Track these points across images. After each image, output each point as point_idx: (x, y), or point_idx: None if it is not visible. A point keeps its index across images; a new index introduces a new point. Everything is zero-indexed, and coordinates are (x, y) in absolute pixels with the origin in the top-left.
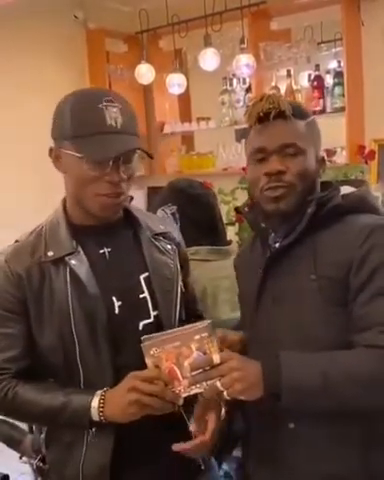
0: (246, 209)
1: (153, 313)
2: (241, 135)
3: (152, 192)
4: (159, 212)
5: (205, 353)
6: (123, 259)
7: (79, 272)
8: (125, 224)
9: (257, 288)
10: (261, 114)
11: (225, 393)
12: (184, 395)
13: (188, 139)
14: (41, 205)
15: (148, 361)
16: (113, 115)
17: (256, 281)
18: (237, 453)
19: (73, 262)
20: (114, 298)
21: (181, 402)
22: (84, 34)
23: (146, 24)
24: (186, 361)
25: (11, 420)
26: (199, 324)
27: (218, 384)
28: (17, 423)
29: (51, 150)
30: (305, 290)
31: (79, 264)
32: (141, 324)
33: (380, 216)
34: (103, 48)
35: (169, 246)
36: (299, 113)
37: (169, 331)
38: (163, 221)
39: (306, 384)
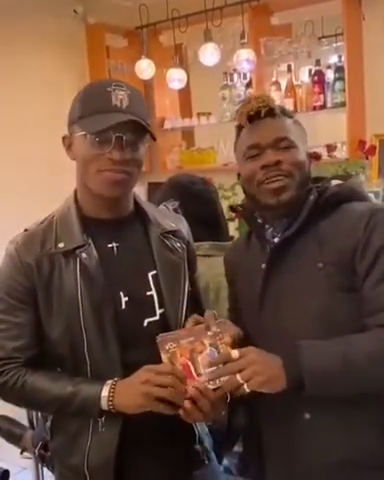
0: (239, 207)
1: (159, 311)
2: None
3: (153, 188)
4: (161, 207)
5: (217, 348)
6: (131, 255)
7: (89, 265)
8: (136, 219)
9: (261, 284)
10: (252, 113)
11: (245, 386)
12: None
13: (188, 134)
14: (40, 203)
15: (163, 356)
16: (119, 97)
17: (259, 277)
18: (238, 448)
19: (84, 255)
20: (121, 293)
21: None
22: (84, 29)
23: (146, 19)
24: (199, 356)
25: (11, 416)
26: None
27: (238, 377)
28: (17, 419)
29: (64, 139)
30: (312, 279)
31: (89, 257)
32: (146, 321)
33: (373, 203)
34: (103, 43)
35: (178, 244)
36: (286, 112)
37: (180, 330)
38: (174, 218)
39: (328, 369)
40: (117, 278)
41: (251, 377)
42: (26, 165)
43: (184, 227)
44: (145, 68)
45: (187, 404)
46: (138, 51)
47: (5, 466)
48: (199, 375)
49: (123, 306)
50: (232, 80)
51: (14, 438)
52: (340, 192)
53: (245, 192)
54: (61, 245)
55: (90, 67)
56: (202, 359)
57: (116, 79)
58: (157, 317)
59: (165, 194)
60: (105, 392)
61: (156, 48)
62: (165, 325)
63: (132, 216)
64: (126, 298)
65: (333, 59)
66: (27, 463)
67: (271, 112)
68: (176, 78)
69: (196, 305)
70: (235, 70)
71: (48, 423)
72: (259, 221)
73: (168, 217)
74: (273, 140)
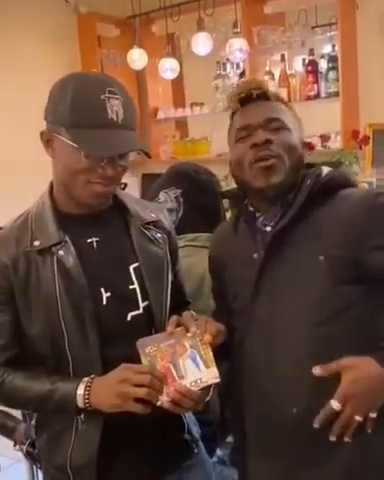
0: (227, 193)
1: (142, 304)
2: None
3: (146, 179)
4: (161, 194)
5: (198, 349)
6: (112, 249)
7: (66, 263)
8: (114, 212)
9: (256, 274)
10: (243, 95)
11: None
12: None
13: (182, 125)
14: (28, 189)
15: (144, 360)
16: (114, 108)
17: (252, 267)
18: (231, 439)
19: (61, 253)
20: (102, 289)
21: (159, 404)
22: (75, 18)
23: (138, 8)
24: (180, 359)
25: (4, 408)
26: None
27: (335, 405)
28: (11, 411)
29: (42, 133)
30: (312, 272)
31: (66, 254)
32: (129, 315)
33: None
34: (95, 33)
35: (159, 235)
36: (279, 98)
37: (161, 333)
38: (155, 208)
39: None
40: (97, 274)
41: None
42: (16, 152)
43: (165, 217)
44: (137, 58)
45: (168, 405)
46: (130, 41)
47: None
48: (181, 378)
49: (104, 302)
50: (225, 70)
51: (7, 431)
52: (337, 177)
53: (235, 179)
54: (36, 243)
55: (82, 57)
56: (183, 361)
57: (104, 75)
58: (141, 310)
59: (167, 181)
60: (81, 390)
61: (148, 37)
62: (149, 318)
63: (111, 209)
64: (108, 294)
65: (327, 48)
66: (21, 456)
67: (264, 95)
68: (169, 68)
69: (179, 296)
70: (228, 60)
71: (33, 421)
72: (250, 209)
73: (148, 207)
74: (264, 120)
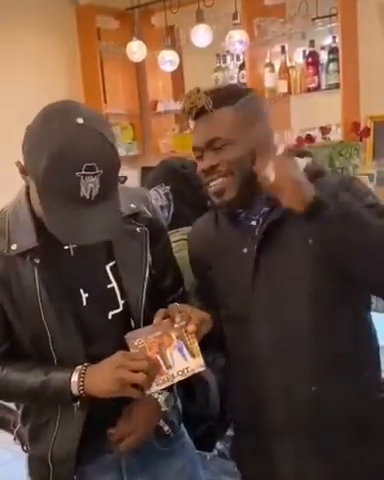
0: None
1: (122, 302)
2: None
3: (146, 172)
4: (152, 192)
5: (184, 340)
6: (89, 251)
7: (44, 268)
8: None
9: (252, 268)
10: (185, 114)
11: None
12: (167, 384)
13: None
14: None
15: (133, 352)
16: (89, 185)
17: (245, 262)
18: (230, 432)
19: (37, 260)
20: (81, 290)
21: (153, 390)
22: (74, 11)
23: (137, 0)
24: (168, 350)
25: (3, 402)
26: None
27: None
28: (11, 405)
29: (18, 164)
30: (304, 256)
31: (44, 260)
32: (110, 314)
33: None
34: (94, 25)
35: (138, 229)
36: (225, 99)
37: (148, 326)
38: (136, 198)
39: None
40: (75, 276)
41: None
42: (13, 143)
43: (148, 203)
44: (136, 50)
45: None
46: (129, 33)
47: (0, 452)
48: (169, 367)
49: (84, 303)
50: (225, 62)
51: (6, 424)
52: (312, 168)
53: None
54: (14, 247)
55: (81, 49)
56: (170, 352)
57: (87, 146)
58: (121, 308)
59: (157, 178)
60: (75, 377)
61: (148, 30)
62: (128, 315)
63: None
64: (86, 295)
65: (327, 40)
66: (21, 449)
67: (203, 110)
68: (168, 60)
69: (172, 285)
70: (228, 52)
71: (20, 411)
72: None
73: (130, 197)
74: (206, 143)
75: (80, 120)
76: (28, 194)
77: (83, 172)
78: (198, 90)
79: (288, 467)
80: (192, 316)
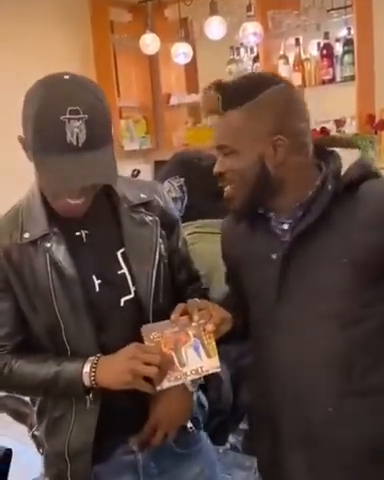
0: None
1: (133, 288)
2: None
3: (159, 166)
4: (166, 184)
5: (201, 339)
6: (100, 237)
7: (57, 254)
8: (103, 197)
9: (278, 277)
10: (203, 115)
11: None
12: (179, 382)
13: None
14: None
15: (147, 345)
16: (75, 130)
17: (272, 269)
18: (243, 426)
19: (48, 245)
20: (94, 276)
21: (164, 386)
22: (88, 3)
23: None
24: (183, 347)
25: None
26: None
27: None
28: (24, 397)
29: (20, 138)
30: (336, 274)
31: (56, 246)
32: (122, 300)
33: None
34: (107, 18)
35: (149, 218)
36: (237, 97)
37: (166, 321)
38: (147, 188)
39: None
40: (87, 263)
41: None
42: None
43: (160, 194)
44: (150, 43)
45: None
46: (143, 25)
47: (13, 444)
48: (182, 365)
49: (97, 289)
50: (239, 54)
51: (21, 416)
52: (357, 175)
53: None
54: (26, 235)
55: (94, 43)
56: (186, 350)
57: (70, 90)
58: (132, 295)
59: (171, 170)
60: (87, 368)
61: (161, 22)
62: (139, 302)
63: (99, 194)
64: (99, 280)
65: (342, 32)
66: (33, 442)
67: (214, 112)
68: (181, 52)
69: (184, 276)
70: (242, 44)
71: (35, 408)
72: (260, 211)
73: (139, 188)
74: (217, 147)
75: (66, 76)
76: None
77: (67, 115)
78: (211, 87)
79: (300, 479)
80: (213, 314)
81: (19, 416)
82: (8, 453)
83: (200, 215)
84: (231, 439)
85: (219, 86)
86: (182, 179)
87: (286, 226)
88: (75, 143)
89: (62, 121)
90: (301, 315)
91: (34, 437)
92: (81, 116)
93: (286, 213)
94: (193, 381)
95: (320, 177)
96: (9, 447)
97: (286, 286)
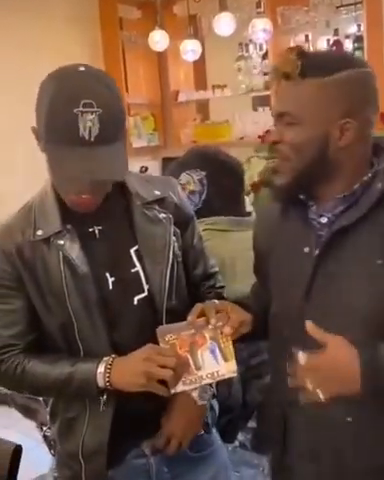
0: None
1: (146, 287)
2: (258, 103)
3: (167, 163)
4: (183, 176)
5: (218, 342)
6: (114, 234)
7: (70, 252)
8: (117, 194)
9: (310, 272)
10: (272, 77)
11: (320, 395)
12: (195, 386)
13: (203, 107)
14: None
15: (162, 347)
16: (88, 124)
17: (304, 263)
18: (252, 424)
19: (61, 242)
20: (107, 274)
21: (179, 389)
22: (97, 0)
23: None
24: (199, 350)
25: None
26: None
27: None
28: None
29: (33, 129)
30: (368, 276)
31: (69, 244)
32: (136, 299)
33: None
34: (116, 14)
35: (163, 215)
36: (319, 68)
37: (182, 322)
38: (161, 184)
39: None
40: (101, 260)
41: (320, 384)
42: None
43: (174, 191)
44: (159, 40)
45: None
46: (152, 22)
47: (23, 439)
48: (198, 369)
49: (110, 287)
50: (248, 51)
51: (30, 413)
52: None
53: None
54: (39, 233)
55: (103, 39)
56: (202, 353)
57: (84, 83)
58: (146, 293)
59: (190, 162)
60: (101, 368)
61: (170, 19)
62: (152, 301)
63: (112, 191)
64: (112, 278)
65: (352, 28)
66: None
67: (287, 76)
68: (190, 49)
69: (199, 274)
70: (251, 40)
71: (48, 409)
72: (301, 197)
73: (154, 184)
74: (276, 114)
75: (82, 68)
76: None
77: (80, 108)
78: (293, 51)
79: None
80: (231, 317)
81: (28, 412)
82: (18, 449)
83: (213, 212)
84: (240, 437)
85: (302, 52)
86: (203, 173)
87: (325, 220)
88: (87, 137)
89: (75, 114)
90: (328, 315)
91: (45, 438)
92: (95, 109)
93: (327, 204)
94: (202, 395)
95: (371, 173)
96: (19, 443)
97: (316, 283)
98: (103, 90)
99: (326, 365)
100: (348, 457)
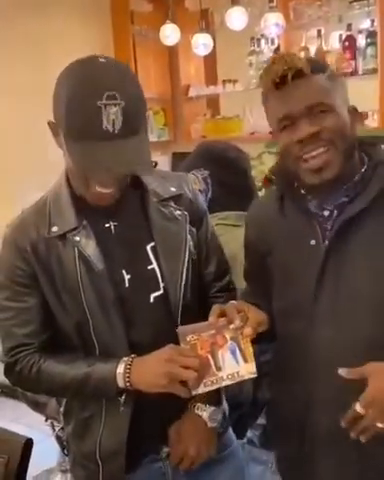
0: (273, 176)
1: (162, 284)
2: None
3: (177, 157)
4: (190, 176)
5: (238, 343)
6: (129, 230)
7: (85, 248)
8: (132, 190)
9: (320, 264)
10: (277, 79)
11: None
12: (215, 387)
13: (214, 102)
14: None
15: (183, 347)
16: (111, 117)
17: (312, 256)
18: (261, 420)
19: (77, 238)
20: (123, 271)
21: (200, 391)
22: None
23: None
24: (220, 350)
25: None
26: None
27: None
28: None
29: (50, 124)
30: (376, 261)
31: (85, 240)
32: (152, 296)
33: None
34: (127, 8)
35: (179, 212)
36: (318, 67)
37: (203, 323)
38: (176, 180)
39: None
40: (117, 257)
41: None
42: (43, 129)
43: (189, 187)
44: (170, 34)
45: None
46: (163, 16)
47: (31, 433)
48: (219, 369)
49: (127, 284)
50: (259, 46)
51: (39, 406)
52: None
53: (283, 166)
54: (54, 229)
55: (114, 33)
56: (222, 353)
57: (108, 75)
58: (162, 291)
59: (196, 162)
60: (121, 369)
61: (182, 13)
62: (168, 298)
63: (128, 187)
64: (129, 276)
65: (365, 24)
66: (51, 430)
67: (300, 73)
68: (201, 43)
69: (214, 272)
70: (263, 35)
71: (62, 409)
72: (302, 192)
73: (169, 180)
74: (305, 108)
75: (102, 59)
76: (68, 177)
77: (104, 101)
78: (293, 53)
79: (329, 478)
80: (250, 317)
81: (37, 406)
82: (29, 443)
83: (224, 208)
84: (248, 433)
85: (298, 56)
86: (206, 171)
87: (327, 212)
88: (111, 130)
89: (98, 107)
90: (341, 308)
91: (58, 438)
92: (118, 102)
93: (328, 197)
94: (213, 417)
95: (367, 164)
96: (30, 437)
97: (327, 275)
98: (124, 81)
99: (379, 397)
100: (370, 442)
